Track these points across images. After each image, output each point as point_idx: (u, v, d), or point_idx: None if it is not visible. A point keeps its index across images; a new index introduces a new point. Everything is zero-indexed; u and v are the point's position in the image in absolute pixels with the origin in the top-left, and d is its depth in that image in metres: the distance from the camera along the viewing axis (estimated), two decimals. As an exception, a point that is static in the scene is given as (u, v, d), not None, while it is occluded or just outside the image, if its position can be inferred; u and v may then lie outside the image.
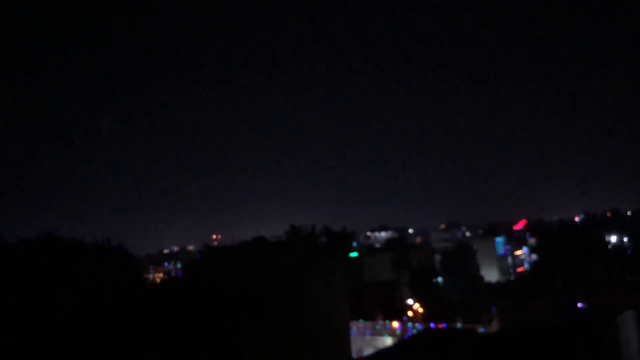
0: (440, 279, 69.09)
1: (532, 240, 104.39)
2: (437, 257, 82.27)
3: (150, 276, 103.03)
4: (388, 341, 48.64)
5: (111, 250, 39.87)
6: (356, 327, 50.73)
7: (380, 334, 50.98)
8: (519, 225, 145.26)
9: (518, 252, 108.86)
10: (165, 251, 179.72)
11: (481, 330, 43.47)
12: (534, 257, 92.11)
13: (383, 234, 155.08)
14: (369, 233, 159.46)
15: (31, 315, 26.67)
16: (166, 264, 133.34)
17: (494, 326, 43.36)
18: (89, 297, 29.87)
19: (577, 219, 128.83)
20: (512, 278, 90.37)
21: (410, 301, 61.65)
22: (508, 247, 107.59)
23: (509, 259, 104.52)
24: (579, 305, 37.86)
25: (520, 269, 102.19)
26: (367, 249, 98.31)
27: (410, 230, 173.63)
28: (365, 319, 52.63)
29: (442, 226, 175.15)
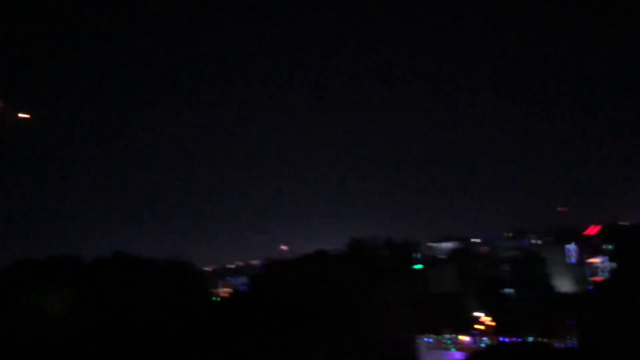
0: (509, 290, 66.32)
1: (608, 247, 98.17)
2: (505, 267, 79.16)
3: (219, 290, 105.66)
4: (456, 356, 47.11)
5: (179, 266, 41.41)
6: (422, 341, 49.51)
7: (448, 348, 49.50)
8: (592, 231, 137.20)
9: (592, 260, 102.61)
10: (230, 266, 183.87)
11: (557, 345, 41.17)
12: (612, 265, 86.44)
13: (446, 245, 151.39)
14: (431, 244, 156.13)
15: (108, 327, 28.00)
16: (231, 278, 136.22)
17: (573, 340, 40.88)
18: (161, 310, 30.97)
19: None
20: (588, 288, 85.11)
21: (477, 313, 59.52)
22: (581, 254, 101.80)
23: (584, 267, 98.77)
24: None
25: (596, 279, 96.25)
26: (431, 260, 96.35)
27: (475, 240, 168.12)
28: (432, 332, 51.26)
29: (508, 234, 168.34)
